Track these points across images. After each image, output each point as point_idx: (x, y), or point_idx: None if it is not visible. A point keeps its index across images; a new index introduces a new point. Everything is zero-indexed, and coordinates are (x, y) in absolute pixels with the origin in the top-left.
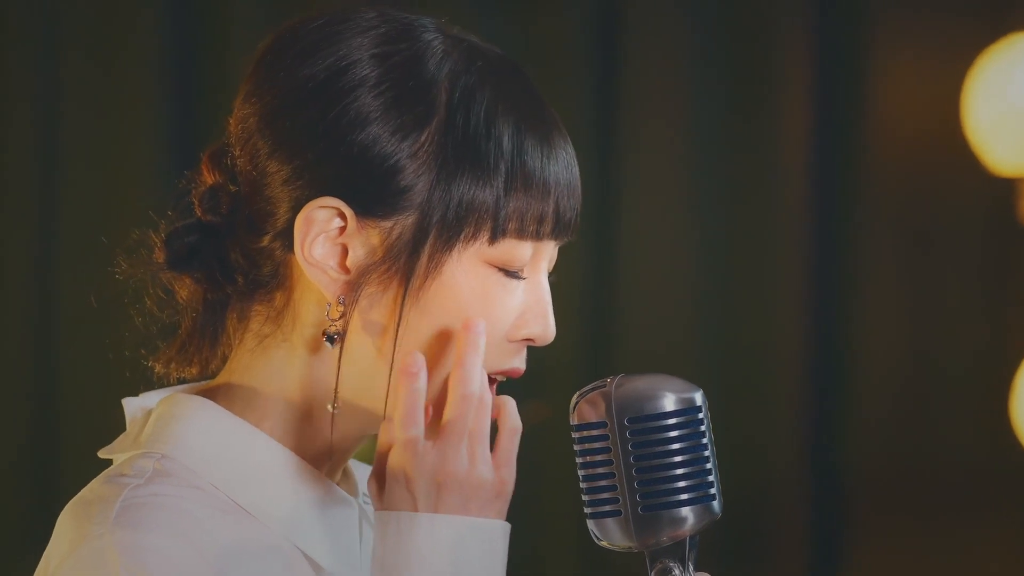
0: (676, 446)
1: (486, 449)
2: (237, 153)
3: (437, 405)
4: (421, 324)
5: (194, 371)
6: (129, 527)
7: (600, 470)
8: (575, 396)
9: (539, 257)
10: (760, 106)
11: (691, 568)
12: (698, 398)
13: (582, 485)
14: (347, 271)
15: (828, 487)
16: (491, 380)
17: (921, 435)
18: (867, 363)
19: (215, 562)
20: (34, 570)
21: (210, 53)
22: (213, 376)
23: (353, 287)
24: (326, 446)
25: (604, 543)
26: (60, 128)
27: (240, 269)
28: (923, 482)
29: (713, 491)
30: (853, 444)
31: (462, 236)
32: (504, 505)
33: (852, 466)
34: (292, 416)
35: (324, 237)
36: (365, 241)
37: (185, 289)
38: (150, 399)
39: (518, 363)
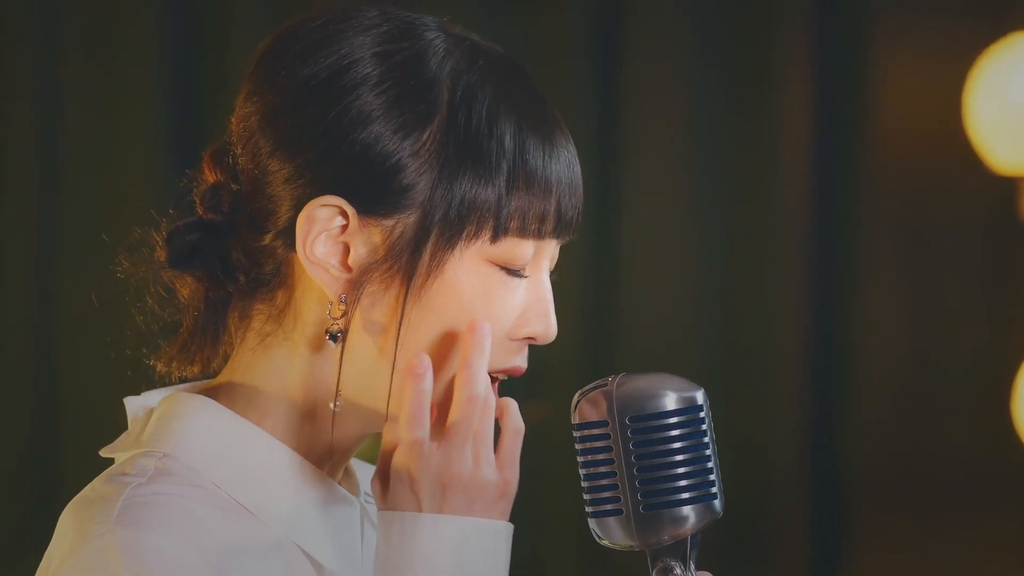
0: (677, 445)
1: (490, 450)
2: (239, 152)
3: (441, 406)
4: (423, 323)
5: (196, 370)
6: (131, 526)
7: (601, 469)
8: (576, 395)
9: (541, 256)
10: (760, 106)
11: (692, 567)
12: (699, 397)
13: (583, 484)
14: (349, 270)
15: (828, 487)
16: (493, 379)
17: (921, 435)
18: (867, 363)
19: (216, 561)
20: (35, 570)
21: (210, 52)
22: (215, 375)
23: (355, 286)
24: (327, 445)
25: (605, 542)
26: (60, 128)
27: (242, 268)
28: (923, 482)
29: (714, 490)
30: (853, 444)
31: (464, 235)
32: (508, 506)
33: (852, 466)
34: (293, 415)
35: (326, 235)
36: (367, 240)
37: (186, 288)
38: (152, 398)
39: (520, 362)
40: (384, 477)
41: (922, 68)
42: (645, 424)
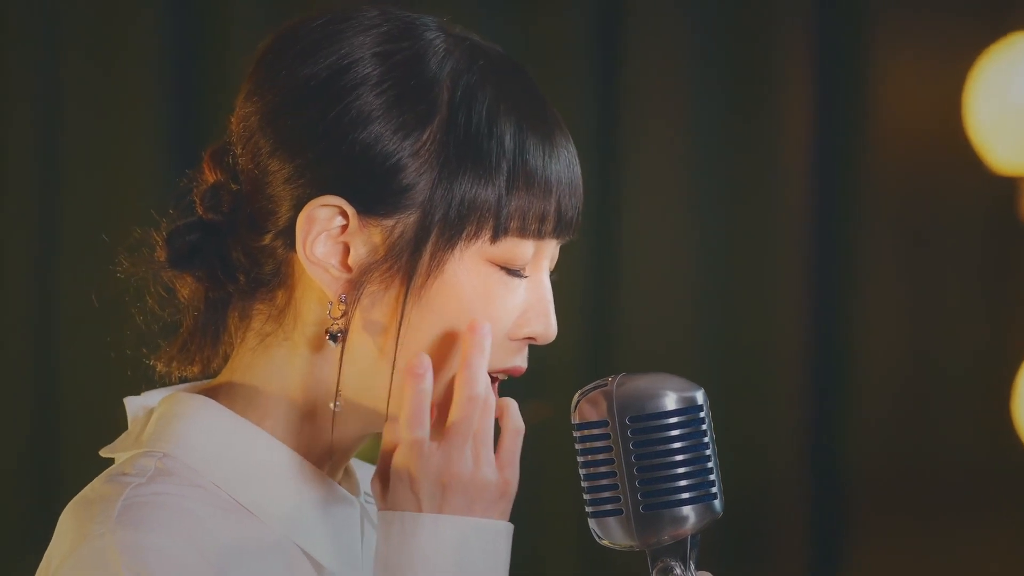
0: (677, 445)
1: (490, 450)
2: (239, 152)
3: (441, 406)
4: (423, 323)
5: (196, 370)
6: (131, 526)
7: (601, 469)
8: (576, 395)
9: (541, 256)
10: (760, 106)
11: (692, 567)
12: (699, 397)
13: (583, 484)
14: (349, 270)
15: (828, 487)
16: (493, 379)
17: (921, 435)
18: (867, 363)
19: (216, 561)
20: (35, 570)
21: (210, 53)
22: (215, 375)
23: (355, 286)
24: (327, 445)
25: (605, 542)
26: (60, 128)
27: (241, 268)
28: (923, 482)
29: (714, 490)
30: (853, 444)
31: (464, 235)
32: (508, 506)
33: (852, 466)
34: (293, 415)
35: (326, 235)
36: (367, 240)
37: (186, 288)
38: (152, 398)
39: (519, 361)
40: (384, 477)
41: (922, 68)
42: (645, 424)
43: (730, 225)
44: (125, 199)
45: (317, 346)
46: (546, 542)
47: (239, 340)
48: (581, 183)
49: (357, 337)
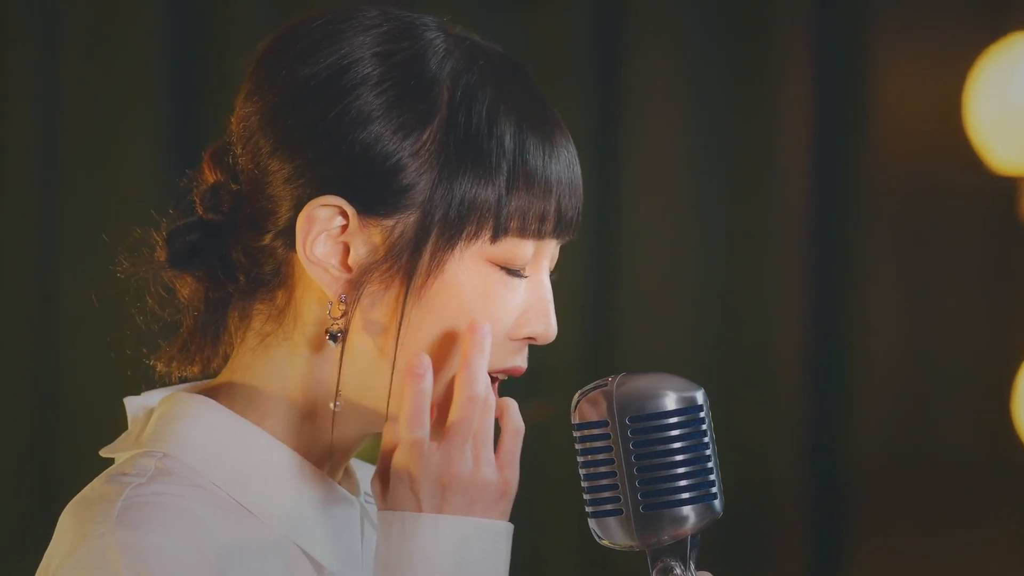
0: (677, 445)
1: (490, 450)
2: (239, 152)
3: (441, 406)
4: (423, 323)
5: (196, 370)
6: (131, 526)
7: (601, 469)
8: (576, 395)
9: (541, 256)
10: (761, 106)
11: (692, 567)
12: (699, 397)
13: (583, 484)
14: (349, 270)
15: (828, 487)
16: (493, 379)
17: (921, 435)
18: (867, 363)
19: (216, 561)
20: (35, 570)
21: (210, 52)
22: (215, 375)
23: (355, 286)
24: (327, 445)
25: (605, 542)
26: (60, 128)
27: (241, 268)
28: (923, 482)
29: (714, 490)
30: (853, 444)
31: (464, 235)
32: (508, 506)
33: (852, 466)
34: (293, 415)
35: (326, 235)
36: (367, 240)
37: (186, 288)
38: (152, 398)
39: (519, 361)
40: (384, 477)
41: (922, 68)
42: (645, 424)
43: (730, 225)
44: (125, 199)
45: (317, 346)
46: (546, 542)
47: (239, 340)
48: (581, 183)
49: (357, 337)
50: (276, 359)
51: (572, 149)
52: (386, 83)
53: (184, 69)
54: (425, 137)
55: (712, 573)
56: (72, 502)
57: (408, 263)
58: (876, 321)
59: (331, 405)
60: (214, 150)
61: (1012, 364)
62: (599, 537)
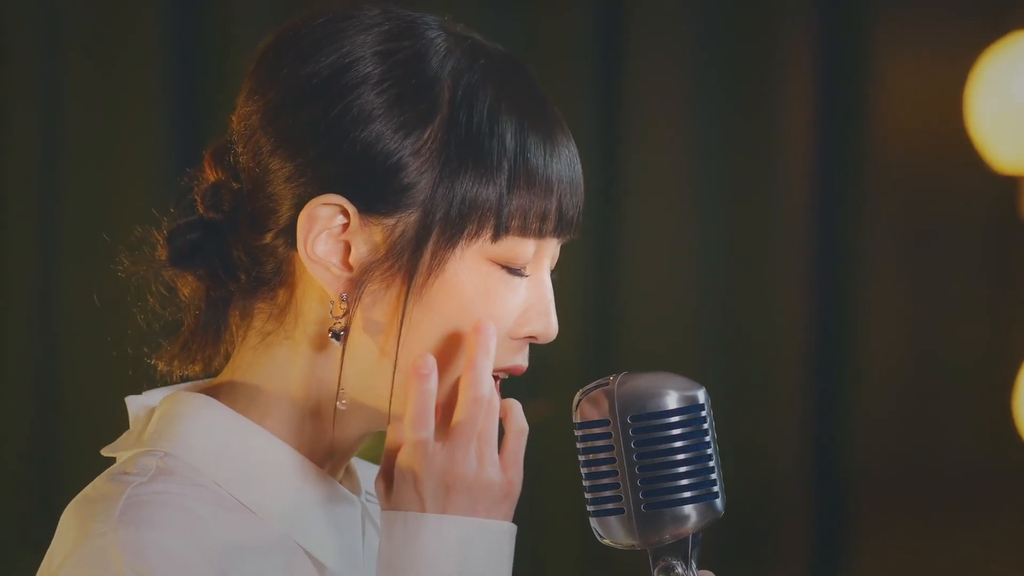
0: (679, 444)
1: (494, 451)
2: (239, 150)
3: (444, 406)
4: (424, 322)
5: (197, 369)
6: (132, 525)
7: (603, 468)
8: (578, 394)
9: (542, 255)
10: (762, 105)
11: (694, 566)
12: (701, 396)
13: (585, 483)
14: (350, 268)
15: (830, 485)
16: (494, 378)
17: (924, 434)
18: (869, 362)
19: (218, 560)
20: (36, 569)
21: (212, 51)
22: (216, 374)
23: (356, 284)
24: (329, 444)
25: (607, 541)
26: (62, 126)
27: (242, 266)
28: (925, 480)
29: (716, 489)
30: (855, 443)
31: (465, 233)
32: (511, 507)
33: (855, 465)
34: (295, 414)
35: (327, 234)
36: (368, 238)
37: (187, 286)
38: (153, 397)
39: (520, 360)
40: (388, 477)
41: (923, 67)
42: (646, 423)
43: (731, 224)
44: (126, 198)
45: (318, 345)
46: (547, 542)
47: (240, 339)
48: (582, 182)
49: (358, 336)
50: (277, 358)
51: (573, 148)
52: (387, 82)
53: (185, 68)
54: (426, 136)
55: (714, 572)
56: (74, 501)
57: (409, 262)
58: (877, 320)
59: (338, 404)
60: (215, 149)
61: (1013, 363)
62: (600, 536)
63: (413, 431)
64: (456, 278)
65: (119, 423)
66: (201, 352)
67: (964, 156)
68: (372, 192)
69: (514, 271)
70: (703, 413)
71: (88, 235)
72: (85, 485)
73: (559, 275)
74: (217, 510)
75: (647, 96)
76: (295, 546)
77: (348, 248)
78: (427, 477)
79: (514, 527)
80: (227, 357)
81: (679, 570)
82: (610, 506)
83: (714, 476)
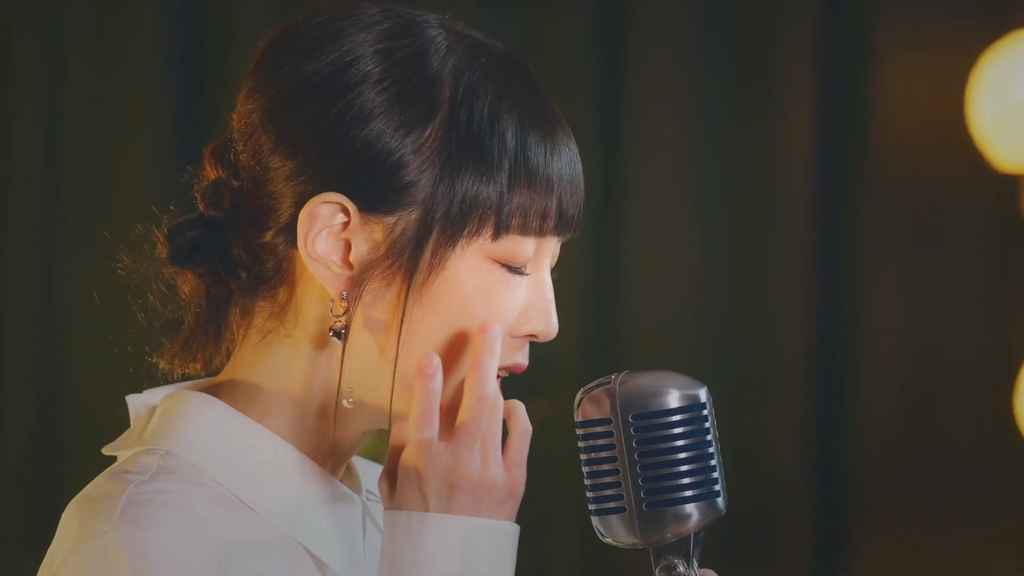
0: (680, 443)
1: (498, 451)
2: (240, 148)
3: (448, 406)
4: (424, 320)
5: (198, 367)
6: (133, 524)
7: (604, 467)
8: (579, 393)
9: (542, 253)
10: (764, 105)
11: (695, 565)
12: (702, 395)
13: (586, 482)
14: (350, 267)
15: (831, 485)
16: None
17: (924, 433)
18: (871, 361)
19: (219, 558)
20: (37, 569)
21: (213, 49)
22: (217, 372)
23: (356, 283)
24: (330, 442)
25: (608, 540)
26: (63, 124)
27: (243, 264)
28: (926, 480)
29: (717, 488)
30: (856, 442)
31: (465, 232)
32: (515, 507)
33: (855, 464)
34: (296, 412)
35: (327, 232)
36: (368, 237)
37: (188, 284)
38: (154, 396)
39: (521, 359)
40: (392, 476)
41: (925, 66)
42: (648, 422)
43: (732, 224)
44: (126, 196)
45: (319, 343)
46: (547, 542)
47: (241, 337)
48: (582, 181)
49: (359, 334)
50: (278, 356)
51: (574, 146)
52: (387, 80)
53: (186, 66)
54: (427, 134)
55: (715, 571)
56: (75, 500)
57: (410, 260)
58: (879, 319)
59: (344, 403)
60: (215, 146)
61: (1015, 362)
62: (602, 535)
63: (417, 430)
64: (457, 276)
65: (120, 422)
66: (202, 350)
67: (965, 155)
68: (373, 190)
69: (514, 269)
70: (704, 412)
71: (88, 233)
72: (86, 484)
73: (559, 274)
74: (218, 509)
75: (648, 96)
76: (296, 545)
77: (348, 246)
78: (431, 477)
79: (517, 527)
80: (228, 355)
81: (680, 569)
82: (612, 505)
83: (715, 475)
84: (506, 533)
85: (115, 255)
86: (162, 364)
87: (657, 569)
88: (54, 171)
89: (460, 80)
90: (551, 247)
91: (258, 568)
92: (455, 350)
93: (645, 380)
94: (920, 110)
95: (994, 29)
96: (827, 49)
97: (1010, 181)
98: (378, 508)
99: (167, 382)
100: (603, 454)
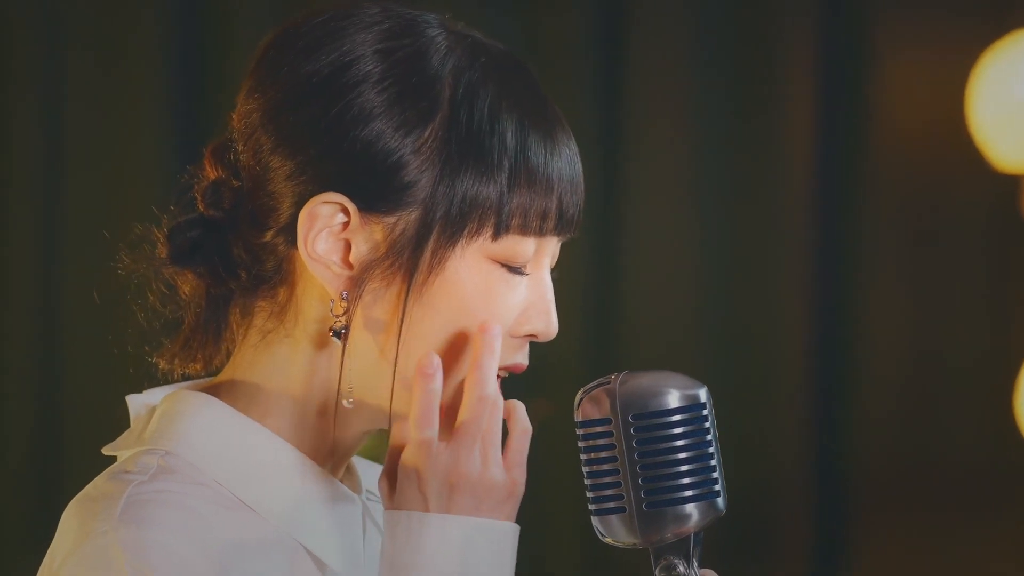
0: (680, 443)
1: (498, 451)
2: (240, 148)
3: (448, 406)
4: (424, 320)
5: (198, 367)
6: (133, 524)
7: (604, 467)
8: (579, 393)
9: (542, 253)
10: (763, 105)
11: (695, 565)
12: (702, 395)
13: (586, 482)
14: (350, 267)
15: (831, 485)
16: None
17: (924, 433)
18: (870, 361)
19: (219, 558)
20: (37, 569)
21: (213, 49)
22: (217, 372)
23: (356, 283)
24: (330, 442)
25: (608, 540)
26: (63, 124)
27: (243, 264)
28: (926, 480)
29: (717, 488)
30: (856, 442)
31: (465, 232)
32: (515, 507)
33: (855, 464)
34: (296, 412)
35: (327, 232)
36: (368, 237)
37: (188, 284)
38: (154, 396)
39: (521, 359)
40: (392, 476)
41: (925, 66)
42: (648, 422)
43: (732, 224)
44: (126, 196)
45: (319, 343)
46: (547, 542)
47: (241, 337)
48: (582, 181)
49: (359, 334)
50: (278, 356)
51: (574, 146)
52: (387, 80)
53: (186, 66)
54: (427, 134)
55: (715, 571)
56: (75, 500)
57: (409, 260)
58: (879, 319)
59: (344, 403)
60: (215, 146)
61: (1015, 362)
62: (602, 535)
63: (417, 430)
64: (456, 276)
65: (120, 422)
66: (202, 350)
67: (965, 155)
68: (372, 190)
69: (514, 269)
70: (705, 412)
71: (88, 233)
72: (86, 484)
73: (560, 274)
74: (218, 509)
75: (648, 96)
76: (296, 544)
77: (348, 246)
78: (431, 477)
79: (517, 527)
80: (228, 355)
81: (680, 569)
82: (612, 505)
83: (715, 475)
84: (506, 533)
85: (115, 255)
86: (162, 364)
87: (657, 569)
88: (54, 171)
89: (460, 80)
90: (551, 247)
91: (258, 568)
92: (455, 350)
93: (645, 380)
94: (920, 110)
95: (994, 29)
96: (827, 49)
97: (1010, 181)
98: (378, 508)
99: (167, 382)
100: (603, 454)
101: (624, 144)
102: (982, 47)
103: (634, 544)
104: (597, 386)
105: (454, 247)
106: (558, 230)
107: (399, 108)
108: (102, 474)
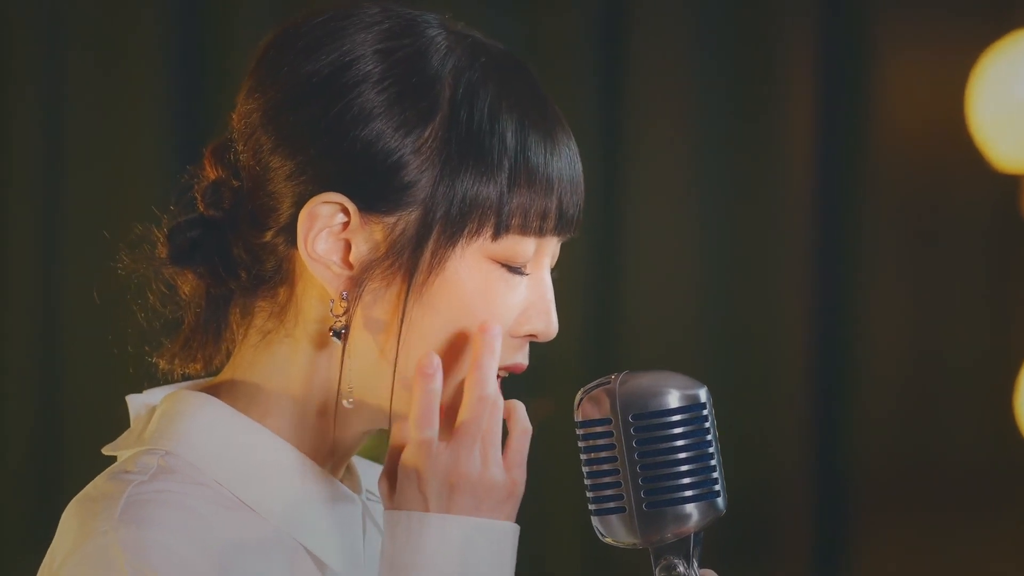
0: (680, 443)
1: (498, 451)
2: (240, 148)
3: (448, 406)
4: (424, 320)
5: (198, 367)
6: (133, 524)
7: (604, 467)
8: (579, 393)
9: (542, 253)
10: (764, 105)
11: (695, 565)
12: (702, 395)
13: (586, 482)
14: (350, 267)
15: (831, 485)
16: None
17: (924, 433)
18: (871, 361)
19: (219, 558)
20: (37, 569)
21: (213, 49)
22: (217, 372)
23: (356, 283)
24: (330, 442)
25: (608, 540)
26: (63, 124)
27: (243, 264)
28: (926, 480)
29: (717, 488)
30: (856, 442)
31: (465, 232)
32: (515, 507)
33: (856, 464)
34: (296, 412)
35: (327, 232)
36: (368, 237)
37: (188, 284)
38: (154, 396)
39: (521, 359)
40: (392, 476)
41: (925, 66)
42: (648, 422)
43: (732, 224)
44: (127, 196)
45: (319, 343)
46: (547, 541)
47: (241, 337)
48: (583, 181)
49: (359, 334)
50: (278, 356)
51: (574, 146)
52: (387, 80)
53: (186, 66)
54: (427, 134)
55: (715, 571)
56: (75, 500)
57: (409, 260)
58: (879, 319)
59: (344, 403)
60: (215, 146)
61: (1015, 362)
62: (602, 535)
63: (417, 430)
64: (456, 276)
65: (120, 422)
66: (202, 350)
67: (965, 155)
68: (372, 190)
69: (514, 269)
70: (705, 412)
71: (88, 233)
72: (86, 484)
73: (559, 274)
74: (218, 509)
75: (648, 96)
76: (296, 544)
77: (348, 246)
78: (431, 477)
79: (517, 527)
80: (228, 355)
81: (680, 569)
82: (612, 505)
83: (716, 475)
84: (506, 533)
85: (115, 255)
86: (162, 364)
87: (657, 569)
88: (54, 171)
89: (460, 80)
90: (551, 247)
91: (258, 568)
92: (455, 350)
93: (645, 380)
94: (920, 110)
95: (994, 29)
96: (827, 49)
97: (1010, 181)
98: (378, 508)
99: (167, 382)
100: (603, 454)
101: (624, 144)
102: (982, 47)
103: (634, 544)
104: (597, 386)
105: (454, 247)
106: (558, 230)
107: (399, 108)
108: (102, 474)
